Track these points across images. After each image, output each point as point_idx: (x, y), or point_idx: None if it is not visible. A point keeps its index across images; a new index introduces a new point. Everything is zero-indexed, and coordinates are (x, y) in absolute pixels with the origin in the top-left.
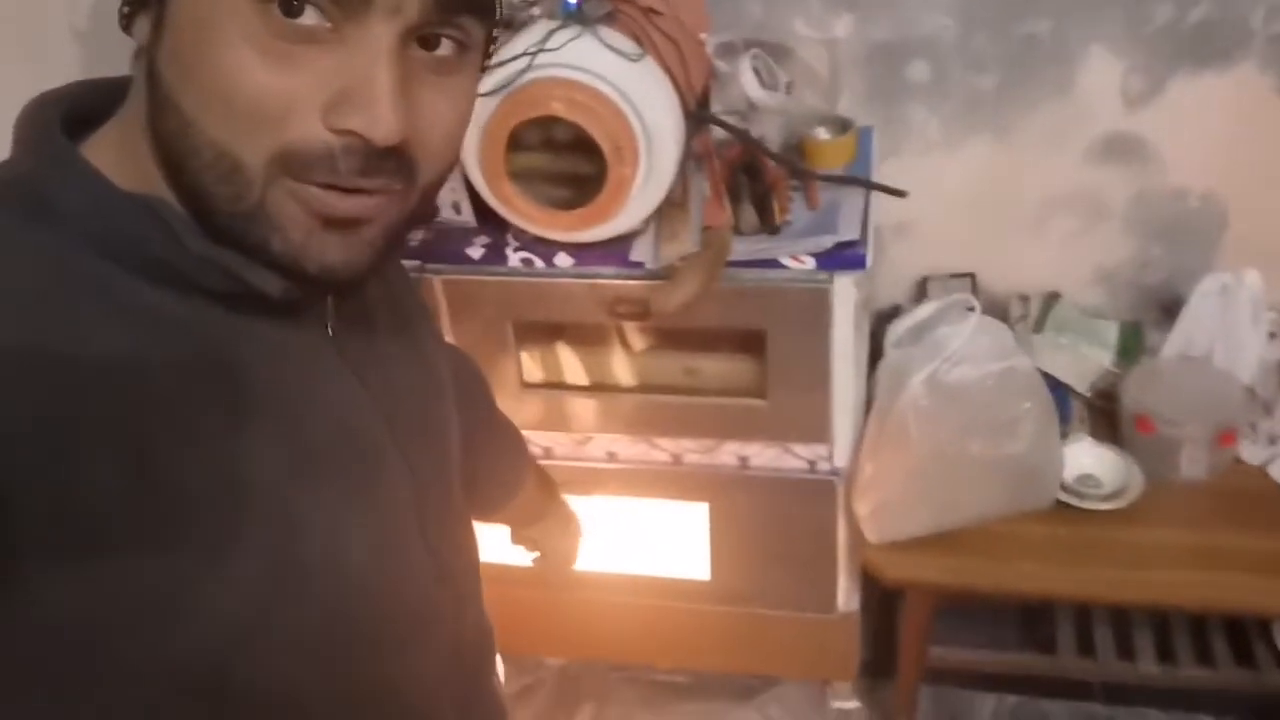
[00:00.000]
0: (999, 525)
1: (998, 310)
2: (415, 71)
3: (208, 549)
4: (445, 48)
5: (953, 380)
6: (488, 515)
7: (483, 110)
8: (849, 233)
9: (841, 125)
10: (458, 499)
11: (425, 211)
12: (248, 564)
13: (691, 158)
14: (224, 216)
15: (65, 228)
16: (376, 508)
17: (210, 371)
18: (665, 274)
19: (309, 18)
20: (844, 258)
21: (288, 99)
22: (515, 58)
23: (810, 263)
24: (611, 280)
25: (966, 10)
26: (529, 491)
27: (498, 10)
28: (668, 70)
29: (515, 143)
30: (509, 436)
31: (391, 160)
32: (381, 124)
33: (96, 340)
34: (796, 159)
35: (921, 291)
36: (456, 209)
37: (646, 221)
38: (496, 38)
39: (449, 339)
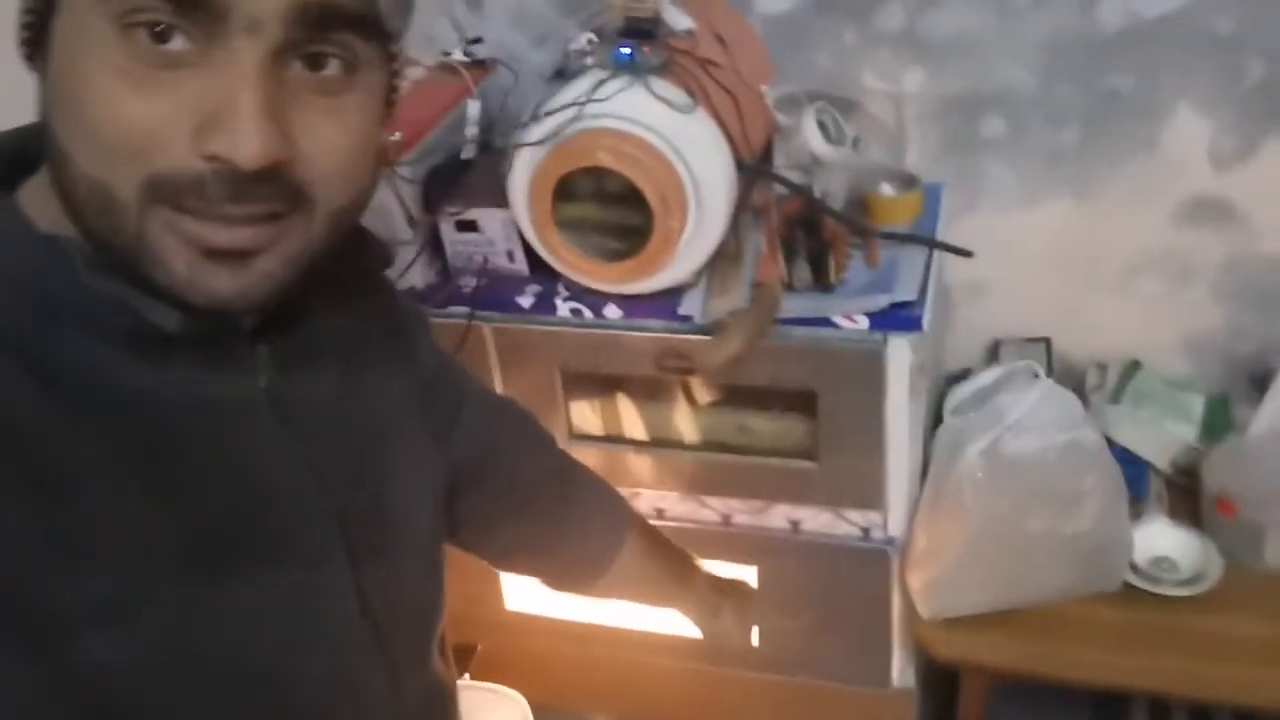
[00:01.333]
0: (1062, 606)
1: (1074, 378)
2: (297, 93)
3: (91, 617)
4: (332, 67)
5: (1013, 451)
6: (576, 587)
7: (531, 159)
8: (906, 293)
9: (908, 181)
10: (414, 560)
11: (339, 239)
12: (135, 643)
13: (749, 210)
14: (111, 250)
15: None
16: (289, 580)
17: (106, 430)
18: (713, 329)
19: (176, 43)
20: (899, 319)
21: (154, 126)
22: (564, 107)
23: (864, 322)
24: (660, 334)
25: (1046, 63)
26: (635, 563)
27: (386, 24)
28: (721, 122)
29: (567, 193)
30: (594, 501)
31: (267, 185)
32: (245, 146)
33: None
34: (859, 215)
35: (993, 355)
36: (510, 257)
37: (698, 274)
38: (398, 54)
39: (498, 387)
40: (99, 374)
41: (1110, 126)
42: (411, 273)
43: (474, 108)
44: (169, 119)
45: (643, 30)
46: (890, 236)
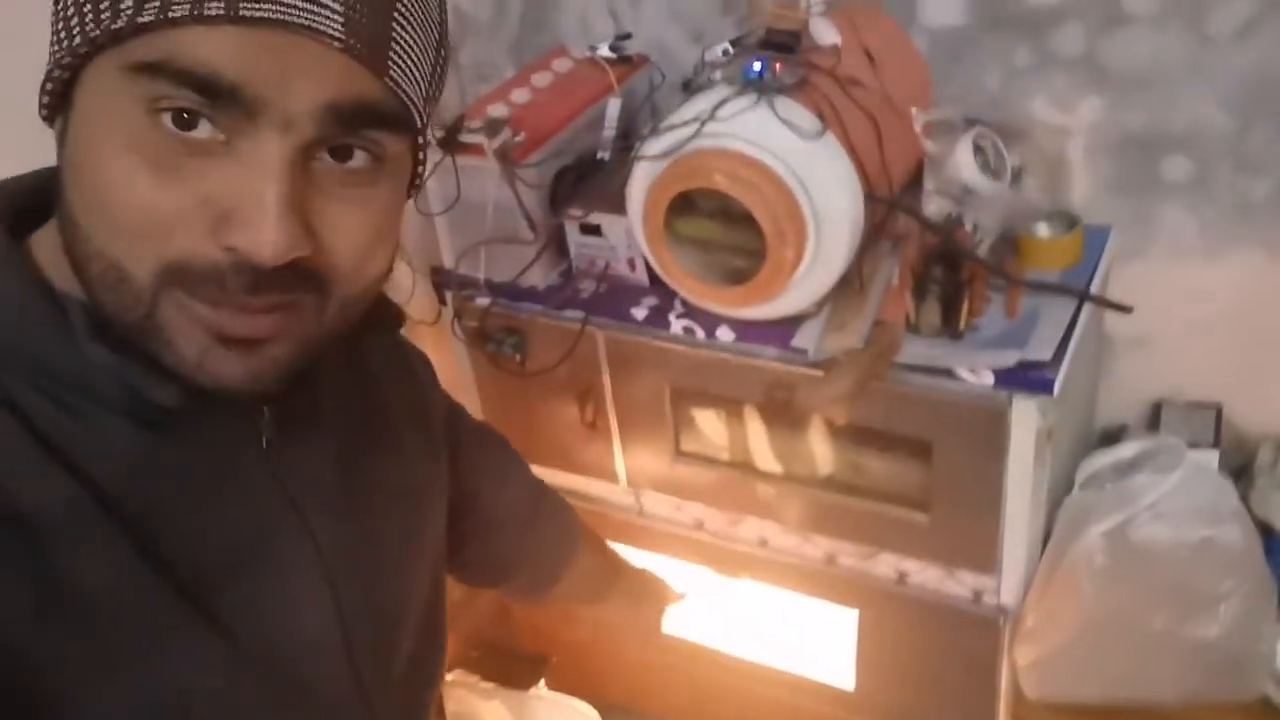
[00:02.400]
0: (1185, 712)
1: (1244, 453)
2: (322, 184)
3: (82, 678)
4: (358, 159)
5: (1142, 539)
6: (531, 598)
7: (649, 173)
8: (1040, 351)
9: (1069, 222)
10: (410, 623)
11: (354, 323)
12: (122, 704)
13: (888, 238)
14: (119, 325)
15: None
16: (273, 648)
17: (104, 496)
18: (823, 366)
19: (202, 130)
20: (1028, 379)
21: (175, 213)
22: (685, 123)
23: (989, 378)
24: (770, 362)
25: (1243, 103)
26: (582, 570)
27: (417, 121)
28: (853, 149)
29: (690, 207)
30: (555, 519)
31: (287, 276)
32: (267, 244)
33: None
34: (1009, 254)
35: (1155, 417)
36: (631, 265)
37: (819, 305)
38: (426, 145)
39: (607, 396)
40: (91, 437)
41: None
42: (532, 272)
43: (614, 106)
44: (190, 208)
45: (782, 43)
46: (1036, 286)
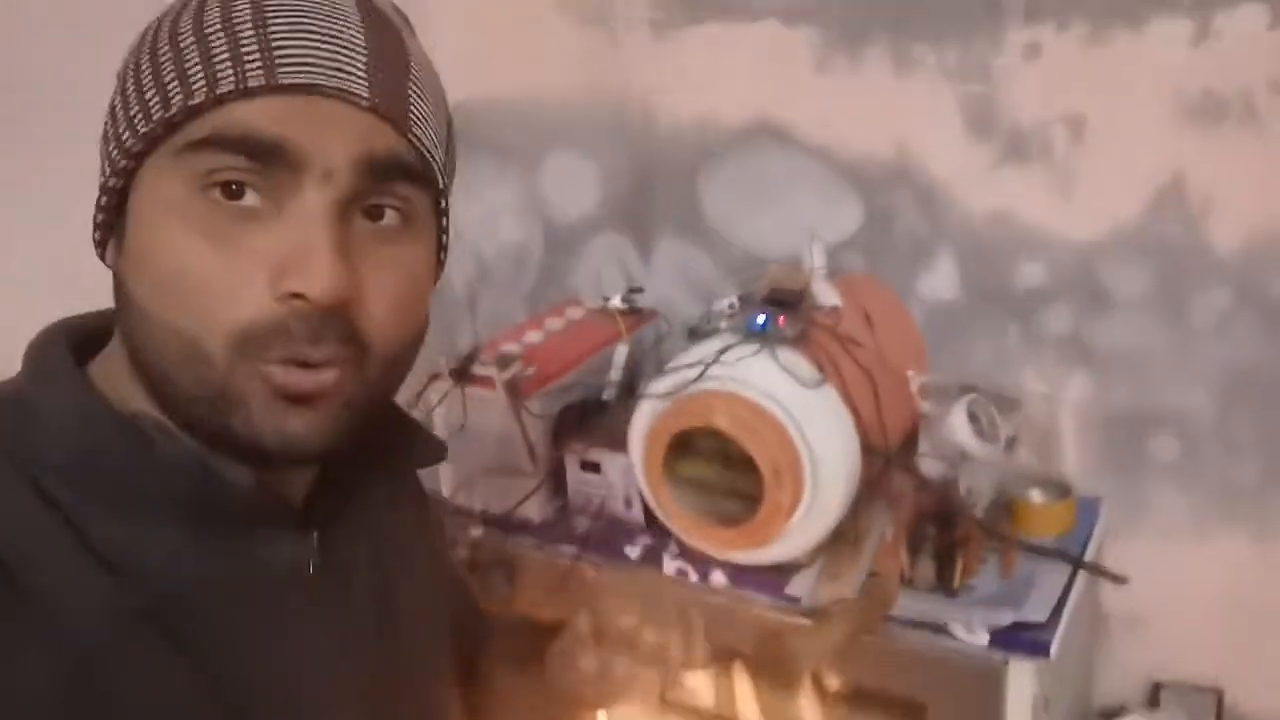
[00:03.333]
0: None
1: None
2: (358, 244)
3: None
4: (390, 218)
5: None
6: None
7: (652, 412)
8: (1036, 613)
9: (1061, 490)
10: None
11: (393, 389)
12: None
13: (884, 498)
14: (188, 401)
15: (42, 445)
16: None
17: (152, 608)
18: (814, 616)
19: (249, 199)
20: (1024, 641)
21: (234, 277)
22: (690, 365)
23: (984, 637)
24: (763, 610)
25: (1224, 390)
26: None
27: (438, 179)
28: (851, 402)
29: (691, 448)
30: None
31: (337, 325)
32: (320, 281)
33: (44, 565)
34: (1001, 518)
35: (1154, 698)
36: (628, 504)
37: (812, 555)
38: (447, 210)
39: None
40: (150, 551)
41: None
42: (528, 505)
43: (621, 352)
44: (247, 269)
45: (785, 300)
46: (1031, 548)
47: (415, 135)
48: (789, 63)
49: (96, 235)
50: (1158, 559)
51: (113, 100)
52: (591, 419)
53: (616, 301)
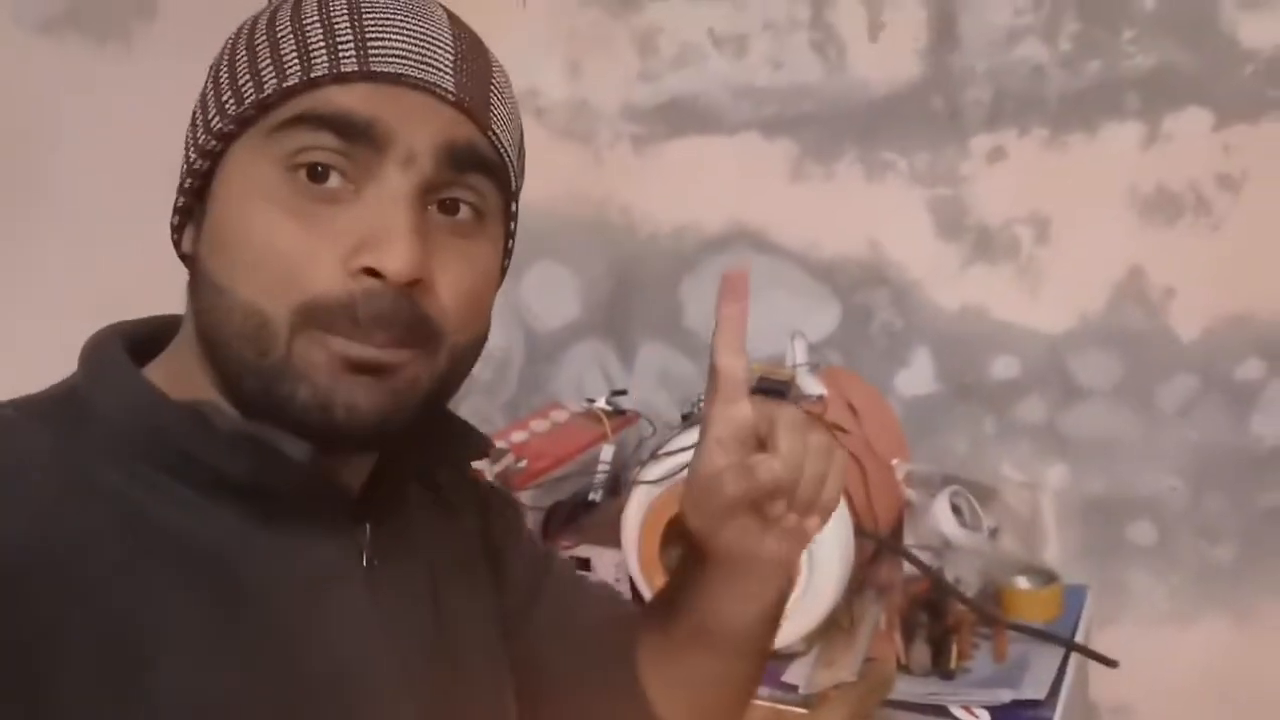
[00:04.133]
0: None
1: None
2: (434, 233)
3: None
4: (464, 213)
5: None
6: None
7: (645, 499)
8: (1034, 691)
9: (1046, 577)
10: None
11: (456, 384)
12: None
13: (874, 587)
14: (252, 377)
15: (98, 435)
16: None
17: (214, 591)
18: (812, 702)
19: (333, 181)
20: (1024, 719)
21: (311, 254)
22: (683, 449)
23: (984, 716)
24: (761, 700)
25: (1197, 472)
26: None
27: (511, 177)
28: (844, 488)
29: (684, 537)
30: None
31: (408, 309)
32: (398, 257)
33: (94, 554)
34: (990, 605)
35: None
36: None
37: (808, 642)
38: (516, 213)
39: None
40: (204, 535)
41: (1271, 548)
42: None
43: (608, 451)
44: (325, 247)
45: (774, 390)
46: (1023, 629)
47: (494, 132)
48: (765, 172)
49: (175, 220)
50: (1143, 645)
51: (204, 89)
52: (579, 517)
53: (601, 403)
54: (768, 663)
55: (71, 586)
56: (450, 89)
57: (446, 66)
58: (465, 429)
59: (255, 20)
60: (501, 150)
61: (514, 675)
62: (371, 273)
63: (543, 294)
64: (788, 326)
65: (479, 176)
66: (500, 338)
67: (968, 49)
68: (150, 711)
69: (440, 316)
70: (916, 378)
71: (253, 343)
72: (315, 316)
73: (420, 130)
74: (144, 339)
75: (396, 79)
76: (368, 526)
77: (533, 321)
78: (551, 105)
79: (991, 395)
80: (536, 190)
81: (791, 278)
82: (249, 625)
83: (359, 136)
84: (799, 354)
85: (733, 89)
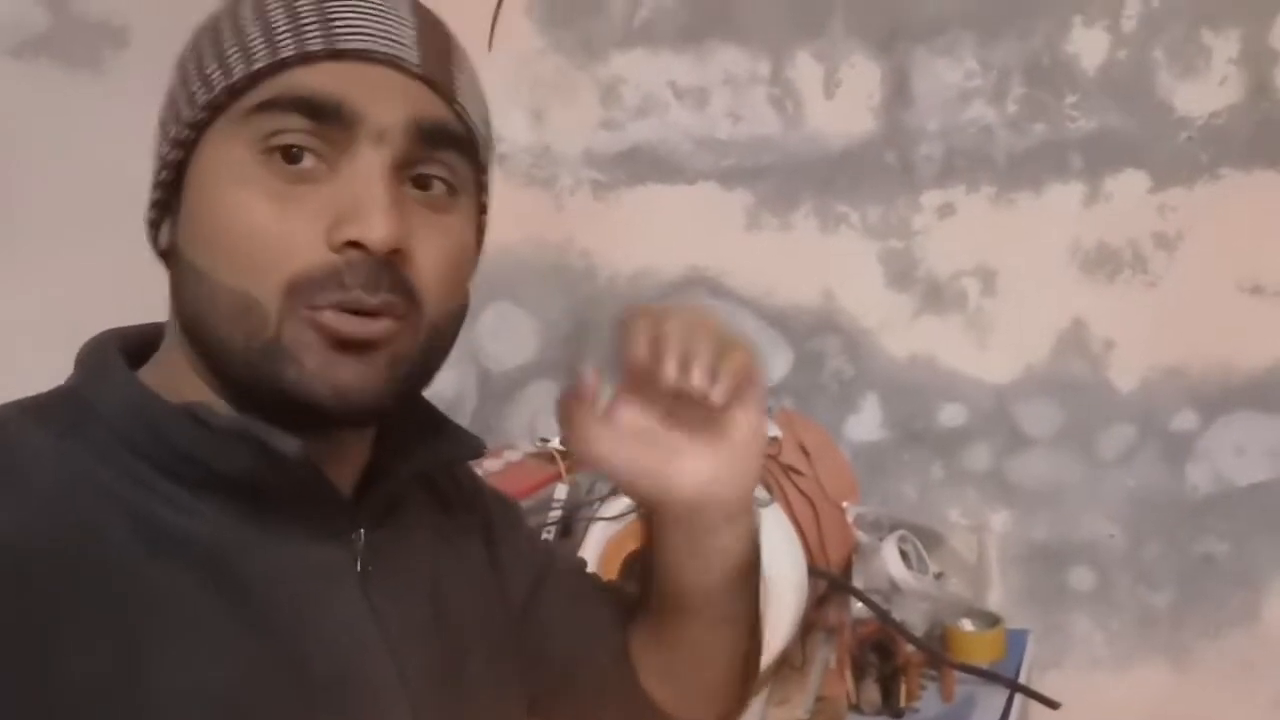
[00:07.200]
0: None
1: None
2: (410, 208)
3: None
4: (436, 188)
5: None
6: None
7: (603, 535)
8: None
9: (990, 620)
10: None
11: (439, 359)
12: None
13: (823, 628)
14: (241, 360)
15: (98, 434)
16: None
17: (213, 585)
18: None
19: (307, 162)
20: None
21: (292, 232)
22: None
23: None
24: None
25: (1134, 520)
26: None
27: (478, 151)
28: (797, 525)
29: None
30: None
31: (389, 274)
32: (378, 227)
33: (96, 546)
34: (936, 647)
35: None
36: None
37: (761, 681)
38: (487, 185)
39: None
40: (202, 532)
41: (1207, 593)
42: None
43: (562, 490)
44: (304, 226)
45: None
46: (970, 670)
47: (460, 105)
48: (723, 221)
49: (151, 215)
50: (1083, 688)
51: (171, 87)
52: None
53: (555, 443)
54: (759, 640)
55: (75, 576)
56: (415, 61)
57: (410, 41)
58: (459, 432)
59: (219, 14)
60: (469, 122)
61: (520, 675)
62: (354, 245)
63: (499, 335)
64: None
65: (449, 152)
66: (453, 377)
67: (920, 108)
68: (151, 702)
69: (420, 288)
70: (866, 423)
71: (241, 325)
72: (302, 291)
73: (388, 107)
74: (137, 345)
75: (361, 55)
76: (362, 532)
77: (486, 361)
78: (515, 151)
79: (939, 442)
80: (498, 233)
81: (746, 324)
82: (248, 620)
83: (329, 117)
84: None
85: (693, 139)
